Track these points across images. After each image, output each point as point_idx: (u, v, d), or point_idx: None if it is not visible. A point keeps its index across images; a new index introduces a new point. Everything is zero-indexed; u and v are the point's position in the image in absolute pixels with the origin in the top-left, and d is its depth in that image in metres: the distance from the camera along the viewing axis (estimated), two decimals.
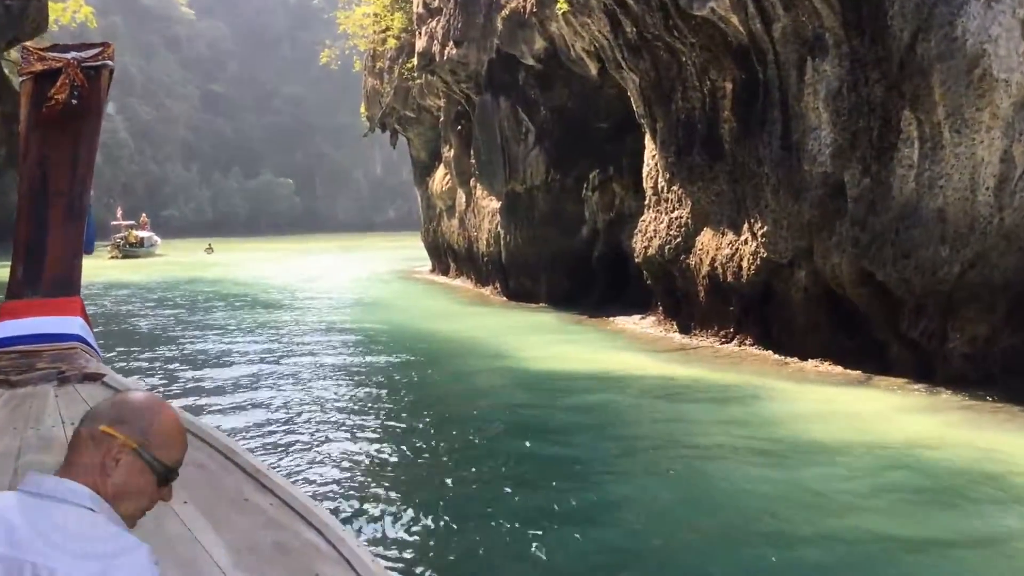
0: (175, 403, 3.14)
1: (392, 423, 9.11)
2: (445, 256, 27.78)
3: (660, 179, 14.09)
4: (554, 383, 11.10)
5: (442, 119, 24.28)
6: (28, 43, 5.42)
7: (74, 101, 3.60)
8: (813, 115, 10.59)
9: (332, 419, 9.12)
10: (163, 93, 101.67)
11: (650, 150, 14.67)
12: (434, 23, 21.24)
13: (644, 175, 14.96)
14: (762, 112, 11.58)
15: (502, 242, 20.43)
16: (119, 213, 43.30)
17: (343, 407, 9.82)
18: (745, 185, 12.18)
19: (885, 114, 9.67)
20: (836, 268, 10.40)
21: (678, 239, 13.51)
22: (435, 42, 21.06)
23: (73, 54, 3.71)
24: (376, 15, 28.04)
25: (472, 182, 23.04)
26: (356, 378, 11.99)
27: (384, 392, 10.93)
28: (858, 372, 10.40)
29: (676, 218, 13.59)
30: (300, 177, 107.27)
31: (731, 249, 12.34)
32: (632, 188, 17.72)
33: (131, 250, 43.38)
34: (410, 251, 47.73)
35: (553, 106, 18.61)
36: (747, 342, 12.43)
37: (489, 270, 21.89)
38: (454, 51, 19.15)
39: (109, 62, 3.76)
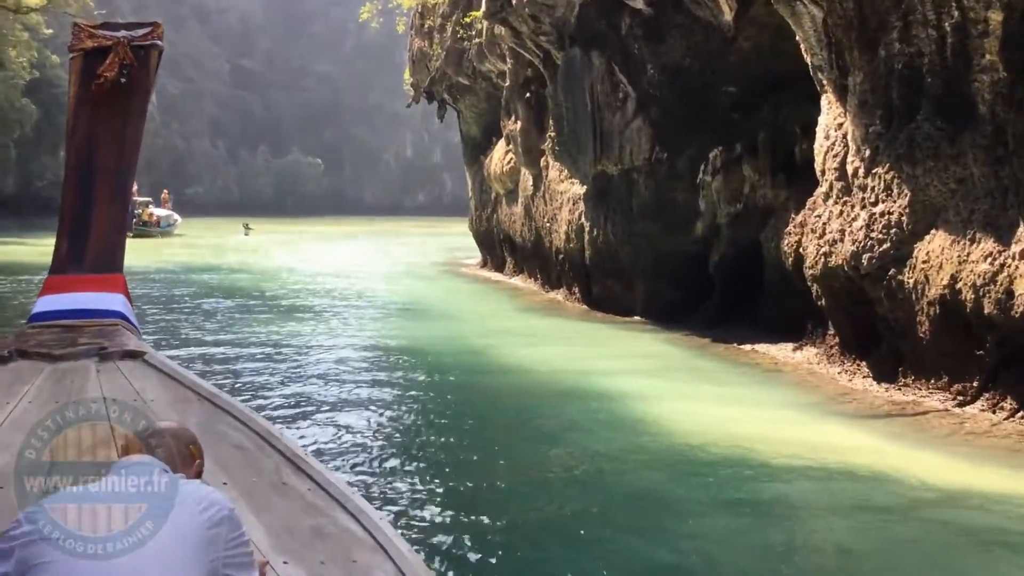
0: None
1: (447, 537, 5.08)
2: (501, 249, 23.65)
3: (852, 157, 9.84)
4: (718, 475, 7.03)
5: (508, 84, 20.09)
6: (79, 20, 4.40)
7: (123, 79, 3.56)
8: None
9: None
10: (191, 66, 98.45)
11: (832, 117, 10.43)
12: None
13: (818, 151, 10.72)
14: None
15: (586, 237, 16.27)
16: (135, 188, 39.53)
17: (384, 479, 5.82)
18: (1017, 167, 7.95)
19: None
20: None
21: (885, 244, 9.28)
22: None
23: (124, 33, 3.68)
24: None
25: (544, 161, 18.86)
26: (399, 439, 8.11)
27: (434, 483, 6.85)
28: None
29: (882, 214, 9.35)
30: (329, 157, 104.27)
31: (990, 264, 8.10)
32: (769, 171, 13.49)
33: (144, 229, 39.56)
34: (447, 239, 43.74)
35: (664, 64, 14.36)
36: (1005, 406, 8.22)
37: (565, 270, 17.72)
38: None
39: (159, 42, 3.74)
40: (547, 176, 18.71)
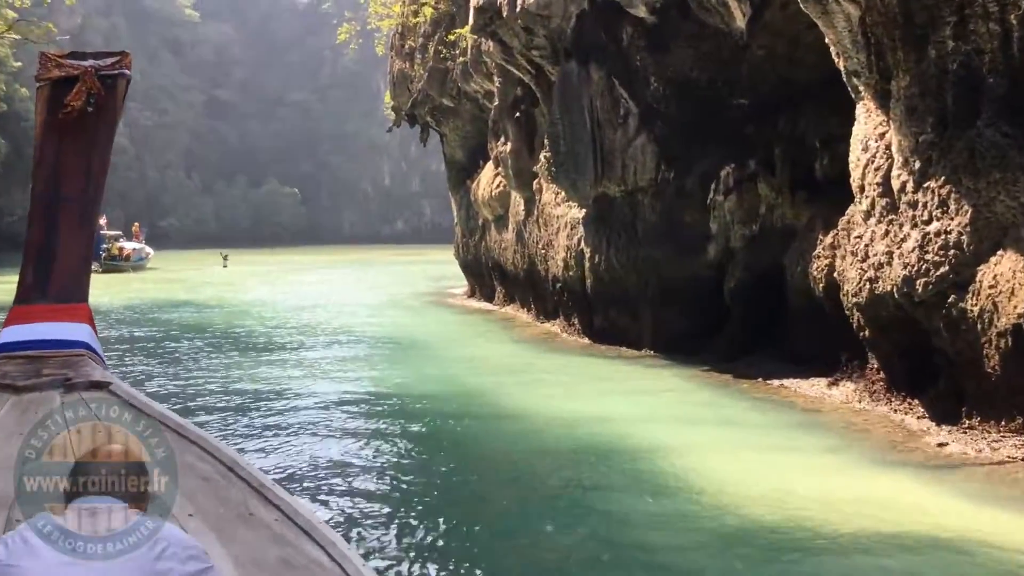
0: None
1: None
2: (490, 277, 22.43)
3: (899, 170, 8.75)
4: (768, 548, 5.91)
5: (496, 104, 19.00)
6: (47, 51, 4.16)
7: (90, 109, 3.57)
8: None
9: None
10: (165, 98, 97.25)
11: (872, 126, 9.36)
12: None
13: (855, 165, 9.64)
14: None
15: (586, 264, 15.10)
16: (103, 222, 37.98)
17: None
18: None
19: None
20: None
21: (943, 268, 8.17)
22: None
23: (91, 62, 3.68)
24: None
25: (537, 184, 17.74)
26: (380, 503, 6.88)
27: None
28: None
29: (938, 233, 8.25)
30: (306, 187, 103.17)
31: None
32: (788, 189, 12.42)
33: (112, 264, 37.96)
34: (430, 267, 42.51)
35: (669, 76, 13.32)
36: None
37: (563, 300, 16.52)
38: (530, 0, 13.87)
39: (126, 71, 3.75)
40: (541, 200, 17.58)
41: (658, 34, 13.16)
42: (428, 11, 21.38)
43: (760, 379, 11.30)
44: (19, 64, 52.30)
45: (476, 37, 18.63)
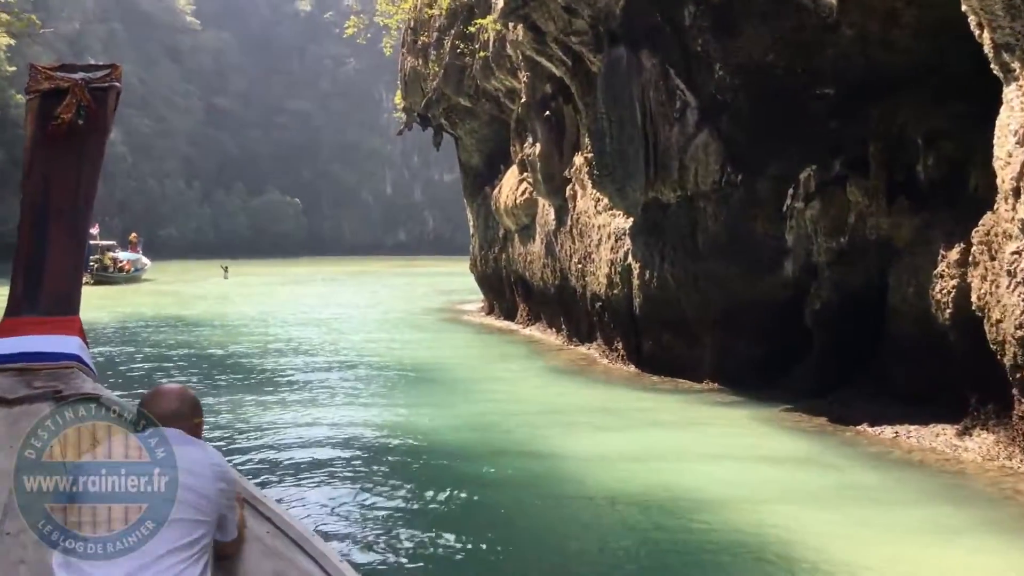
0: None
1: None
2: (512, 294, 20.46)
3: None
4: None
5: (523, 101, 17.08)
6: (37, 63, 4.06)
7: (80, 121, 3.54)
8: None
9: None
10: (164, 105, 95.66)
11: None
12: None
13: (1001, 165, 7.67)
14: None
15: (634, 281, 13.14)
16: (95, 231, 35.95)
17: None
18: None
19: None
20: None
21: None
22: None
23: (81, 74, 3.63)
24: None
25: (571, 190, 15.80)
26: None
27: None
28: None
29: None
30: (306, 196, 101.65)
31: None
32: (884, 193, 10.47)
33: (105, 275, 35.95)
34: (437, 280, 40.65)
35: (738, 63, 11.39)
36: None
37: (603, 321, 14.53)
38: None
39: (117, 84, 3.68)
40: (575, 207, 15.64)
41: (726, 13, 11.24)
42: (445, 2, 19.49)
43: (864, 424, 9.32)
44: (13, 69, 50.57)
45: (499, 28, 16.77)
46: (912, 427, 8.91)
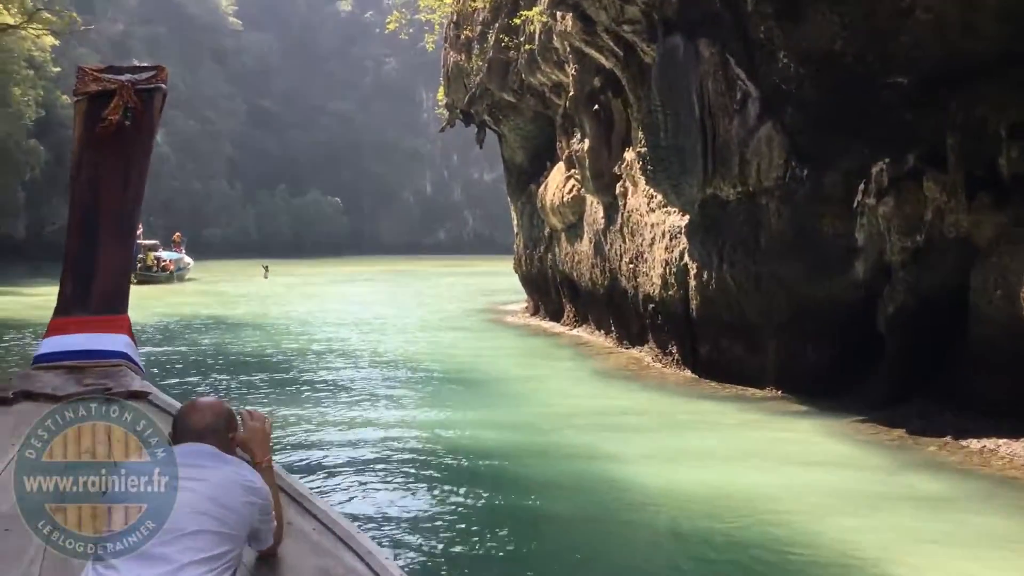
0: None
1: None
2: (558, 294, 19.91)
3: None
4: None
5: (571, 94, 16.52)
6: (84, 64, 4.19)
7: (127, 122, 3.59)
8: None
9: None
10: (208, 107, 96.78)
11: None
12: None
13: None
14: None
15: (691, 282, 12.52)
16: (139, 231, 36.08)
17: None
18: None
19: None
20: None
21: None
22: None
23: (128, 76, 3.70)
24: None
25: (621, 187, 15.21)
26: None
27: None
28: None
29: None
30: (347, 196, 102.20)
31: None
32: (963, 189, 9.74)
33: (148, 274, 36.10)
34: (478, 279, 40.23)
35: (804, 50, 10.70)
36: None
37: (656, 323, 13.92)
38: None
39: (162, 85, 3.74)
40: (625, 205, 15.04)
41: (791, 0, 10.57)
42: None
43: (948, 437, 8.62)
44: (58, 69, 51.21)
45: (546, 20, 16.28)
46: (1002, 441, 8.22)
